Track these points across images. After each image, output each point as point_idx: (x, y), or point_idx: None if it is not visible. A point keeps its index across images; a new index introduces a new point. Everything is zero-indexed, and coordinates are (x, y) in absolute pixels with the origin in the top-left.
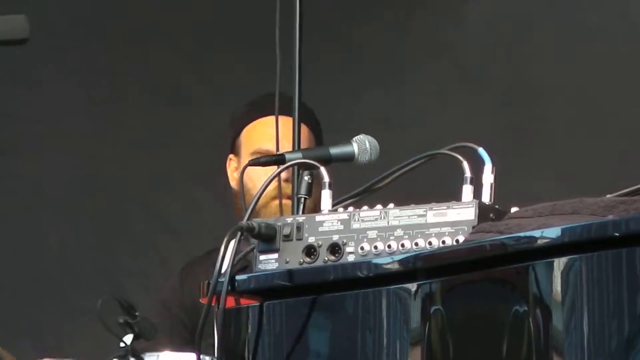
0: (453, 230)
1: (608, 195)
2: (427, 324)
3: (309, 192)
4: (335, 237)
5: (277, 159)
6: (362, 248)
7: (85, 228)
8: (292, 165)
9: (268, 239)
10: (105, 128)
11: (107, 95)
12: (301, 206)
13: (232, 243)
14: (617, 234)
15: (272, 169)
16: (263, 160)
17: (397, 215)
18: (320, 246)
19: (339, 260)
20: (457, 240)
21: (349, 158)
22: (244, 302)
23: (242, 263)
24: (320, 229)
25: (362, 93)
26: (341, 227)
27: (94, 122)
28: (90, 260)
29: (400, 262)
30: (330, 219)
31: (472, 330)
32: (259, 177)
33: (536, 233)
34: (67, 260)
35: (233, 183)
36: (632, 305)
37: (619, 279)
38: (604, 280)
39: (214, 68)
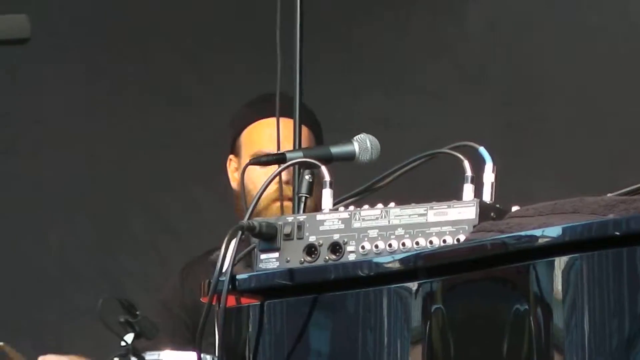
0: (454, 230)
1: (608, 195)
2: (428, 323)
3: (310, 191)
4: (336, 236)
5: (278, 158)
6: (363, 247)
7: (85, 228)
8: (293, 164)
9: (269, 238)
10: (105, 128)
11: (107, 95)
12: (302, 205)
13: (233, 242)
14: (617, 233)
15: (273, 171)
16: (264, 159)
17: (398, 215)
18: (321, 245)
19: (339, 259)
20: (458, 240)
21: (350, 157)
22: (245, 301)
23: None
24: (321, 228)
25: (362, 93)
26: (342, 226)
27: (94, 122)
28: (90, 260)
29: (401, 261)
30: (331, 218)
31: (473, 329)
32: (259, 179)
33: (537, 232)
34: (67, 260)
35: (234, 184)
36: (632, 304)
37: (620, 278)
38: (604, 280)
39: (214, 68)
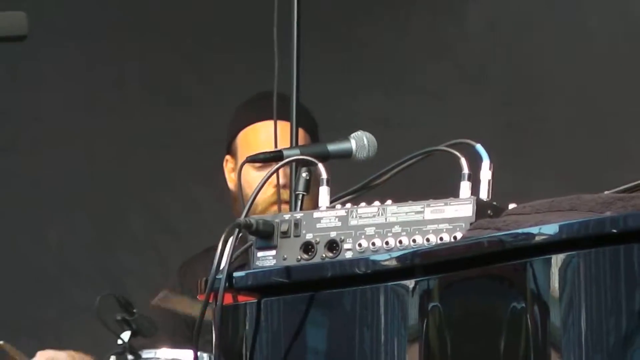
0: (451, 227)
1: (606, 192)
2: (425, 321)
3: (307, 188)
4: (333, 234)
5: (275, 156)
6: (359, 245)
7: (85, 226)
8: (290, 162)
9: (266, 236)
10: (105, 127)
11: (106, 95)
12: (299, 203)
13: (230, 240)
14: (614, 231)
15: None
16: (261, 156)
17: (395, 212)
18: (317, 243)
19: (336, 256)
20: (454, 237)
21: (347, 154)
22: (242, 299)
23: (240, 260)
24: (317, 225)
25: (362, 93)
26: (339, 223)
27: (94, 120)
28: (90, 258)
29: (397, 258)
30: (327, 216)
31: (470, 327)
32: (255, 181)
33: (534, 230)
34: (66, 258)
35: (231, 185)
36: (629, 301)
37: (617, 275)
38: (601, 277)
39: (214, 68)
